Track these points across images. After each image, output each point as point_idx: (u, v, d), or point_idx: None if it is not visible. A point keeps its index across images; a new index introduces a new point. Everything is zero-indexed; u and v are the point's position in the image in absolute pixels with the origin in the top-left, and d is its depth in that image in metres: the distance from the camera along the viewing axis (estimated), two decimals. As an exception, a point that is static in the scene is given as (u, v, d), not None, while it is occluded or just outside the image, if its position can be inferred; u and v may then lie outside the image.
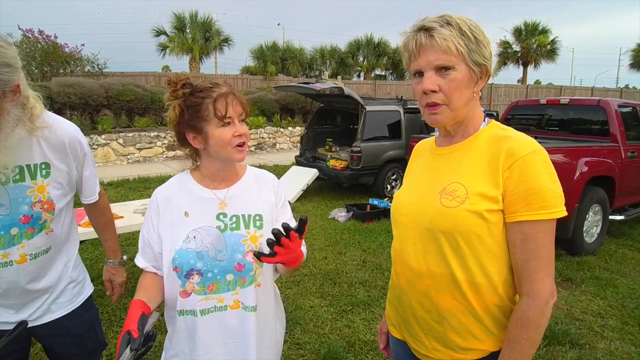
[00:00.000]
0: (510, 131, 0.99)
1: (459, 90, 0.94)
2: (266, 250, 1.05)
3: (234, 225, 1.18)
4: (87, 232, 2.56)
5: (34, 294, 1.31)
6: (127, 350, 0.91)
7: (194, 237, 1.14)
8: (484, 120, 1.03)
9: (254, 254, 1.10)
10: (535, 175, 0.89)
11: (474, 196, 0.93)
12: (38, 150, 1.23)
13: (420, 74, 0.97)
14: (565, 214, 0.90)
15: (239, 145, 1.13)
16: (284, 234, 1.01)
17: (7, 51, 1.06)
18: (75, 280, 1.43)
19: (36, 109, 1.21)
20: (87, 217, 1.61)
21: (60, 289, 1.37)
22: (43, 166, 1.25)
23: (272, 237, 1.01)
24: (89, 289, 1.50)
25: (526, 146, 0.92)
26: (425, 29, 0.93)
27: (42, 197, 1.24)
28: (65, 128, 1.30)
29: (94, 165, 1.44)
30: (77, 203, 1.46)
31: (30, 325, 1.31)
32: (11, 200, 1.20)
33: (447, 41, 0.90)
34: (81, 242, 1.66)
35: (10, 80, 1.07)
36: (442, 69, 0.93)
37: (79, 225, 2.50)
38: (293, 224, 1.28)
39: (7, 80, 1.06)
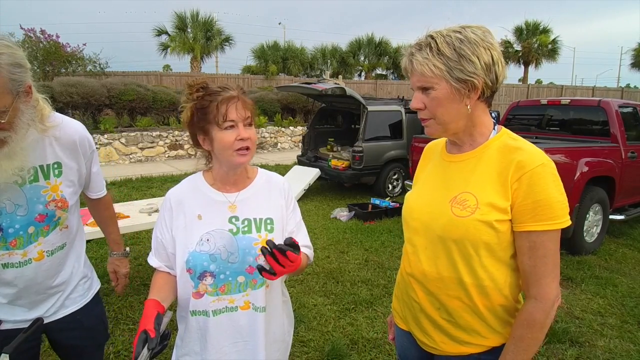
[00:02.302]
0: (521, 142, 1.02)
1: (442, 106, 0.99)
2: (267, 266, 1.07)
3: (245, 229, 1.19)
4: (94, 231, 2.60)
5: (49, 291, 1.34)
6: (145, 350, 0.93)
7: (207, 240, 1.16)
8: (494, 129, 1.05)
9: (257, 268, 1.08)
10: (543, 188, 0.93)
11: (484, 206, 0.97)
12: (50, 150, 1.27)
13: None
14: (569, 223, 0.95)
15: (241, 149, 1.13)
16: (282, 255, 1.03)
17: (17, 52, 1.08)
18: (86, 276, 1.48)
19: (45, 110, 1.24)
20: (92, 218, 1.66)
21: (73, 285, 1.42)
22: (55, 166, 1.28)
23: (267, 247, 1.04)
24: (97, 284, 1.55)
25: (535, 159, 0.95)
26: (410, 54, 1.00)
27: (56, 196, 1.28)
28: (74, 127, 1.34)
29: (98, 161, 1.50)
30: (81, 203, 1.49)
31: (45, 321, 1.35)
32: (28, 200, 1.23)
33: (422, 65, 0.97)
34: (87, 241, 1.71)
35: (23, 80, 1.09)
36: (424, 89, 1.00)
37: (86, 225, 2.54)
38: (302, 226, 1.32)
39: (20, 81, 1.08)
